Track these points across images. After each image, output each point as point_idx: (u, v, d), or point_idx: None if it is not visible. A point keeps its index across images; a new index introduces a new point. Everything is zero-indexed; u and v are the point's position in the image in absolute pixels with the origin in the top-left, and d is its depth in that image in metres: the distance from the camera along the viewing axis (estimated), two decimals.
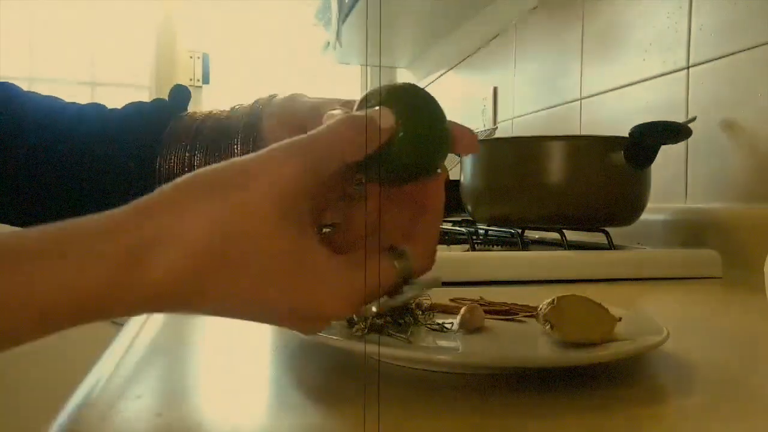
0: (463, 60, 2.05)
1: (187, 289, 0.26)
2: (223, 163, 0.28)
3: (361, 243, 0.33)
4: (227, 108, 0.51)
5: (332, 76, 3.12)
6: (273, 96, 0.50)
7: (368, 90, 0.35)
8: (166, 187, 0.27)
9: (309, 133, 0.30)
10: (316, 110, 0.45)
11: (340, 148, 0.30)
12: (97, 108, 0.51)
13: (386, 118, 0.31)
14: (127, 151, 0.48)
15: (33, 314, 0.24)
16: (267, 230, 0.27)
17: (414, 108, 0.33)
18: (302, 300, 0.28)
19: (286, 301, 0.28)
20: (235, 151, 0.47)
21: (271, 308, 0.29)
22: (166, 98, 0.53)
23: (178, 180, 0.28)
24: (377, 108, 0.32)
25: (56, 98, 0.52)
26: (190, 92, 0.54)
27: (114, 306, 0.25)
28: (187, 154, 0.47)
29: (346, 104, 0.45)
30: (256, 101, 0.50)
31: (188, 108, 0.53)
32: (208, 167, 0.28)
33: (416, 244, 0.33)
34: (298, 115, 0.47)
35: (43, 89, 0.52)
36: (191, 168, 0.47)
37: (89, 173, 0.48)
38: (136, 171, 0.48)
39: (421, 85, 0.37)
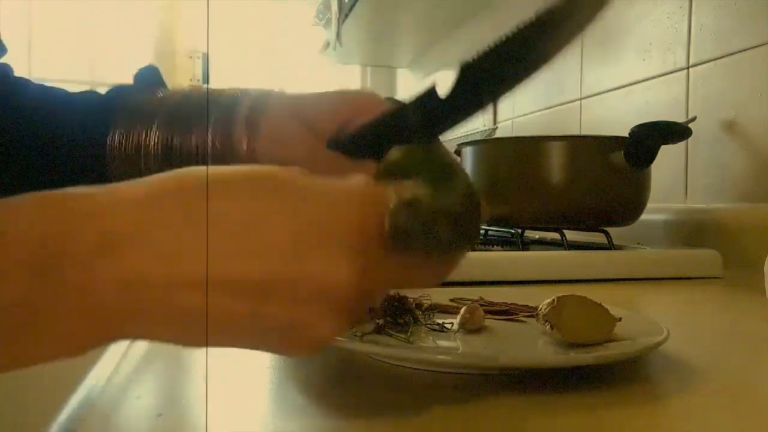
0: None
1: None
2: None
3: None
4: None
5: (332, 76, 3.12)
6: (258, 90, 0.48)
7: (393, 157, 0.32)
8: None
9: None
10: (318, 106, 0.45)
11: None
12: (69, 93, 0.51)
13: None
14: (76, 124, 0.48)
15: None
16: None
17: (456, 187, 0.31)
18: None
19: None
20: (233, 131, 0.45)
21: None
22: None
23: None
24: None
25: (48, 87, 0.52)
26: (157, 72, 0.52)
27: None
28: (142, 130, 0.46)
29: (346, 100, 0.45)
30: (241, 91, 0.48)
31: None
32: None
33: None
34: (306, 111, 0.46)
35: None
36: (147, 146, 0.46)
37: (44, 145, 0.48)
38: (85, 144, 0.47)
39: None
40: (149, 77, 0.52)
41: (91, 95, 0.50)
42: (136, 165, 0.47)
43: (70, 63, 2.84)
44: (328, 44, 2.22)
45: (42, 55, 2.83)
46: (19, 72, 0.52)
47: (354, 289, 0.26)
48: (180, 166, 0.47)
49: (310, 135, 0.44)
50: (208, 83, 2.97)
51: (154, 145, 0.46)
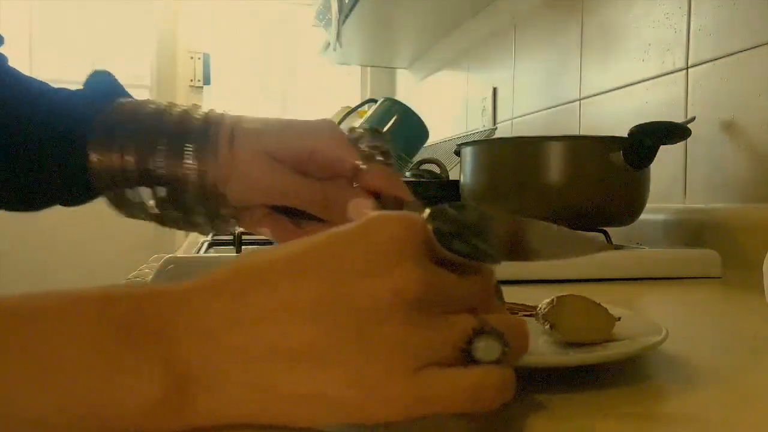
0: (463, 60, 2.05)
1: None
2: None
3: None
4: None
5: (332, 77, 3.13)
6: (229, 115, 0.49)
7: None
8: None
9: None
10: (284, 137, 0.47)
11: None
12: (50, 90, 0.50)
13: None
14: (58, 137, 0.48)
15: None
16: None
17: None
18: None
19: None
20: (188, 160, 0.46)
21: None
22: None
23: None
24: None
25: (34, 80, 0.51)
26: (112, 78, 0.51)
27: None
28: (116, 153, 0.46)
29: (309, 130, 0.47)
30: (211, 113, 0.49)
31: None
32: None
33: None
34: (271, 143, 0.47)
35: None
36: (123, 168, 0.47)
37: (27, 153, 0.49)
38: (67, 159, 0.48)
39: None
40: (108, 85, 0.51)
41: (71, 102, 0.50)
42: (117, 181, 0.47)
43: (70, 63, 2.84)
44: (328, 45, 2.22)
45: (42, 55, 2.84)
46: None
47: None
48: (154, 186, 0.47)
49: (275, 165, 0.46)
50: (209, 84, 2.97)
51: (131, 164, 0.46)
